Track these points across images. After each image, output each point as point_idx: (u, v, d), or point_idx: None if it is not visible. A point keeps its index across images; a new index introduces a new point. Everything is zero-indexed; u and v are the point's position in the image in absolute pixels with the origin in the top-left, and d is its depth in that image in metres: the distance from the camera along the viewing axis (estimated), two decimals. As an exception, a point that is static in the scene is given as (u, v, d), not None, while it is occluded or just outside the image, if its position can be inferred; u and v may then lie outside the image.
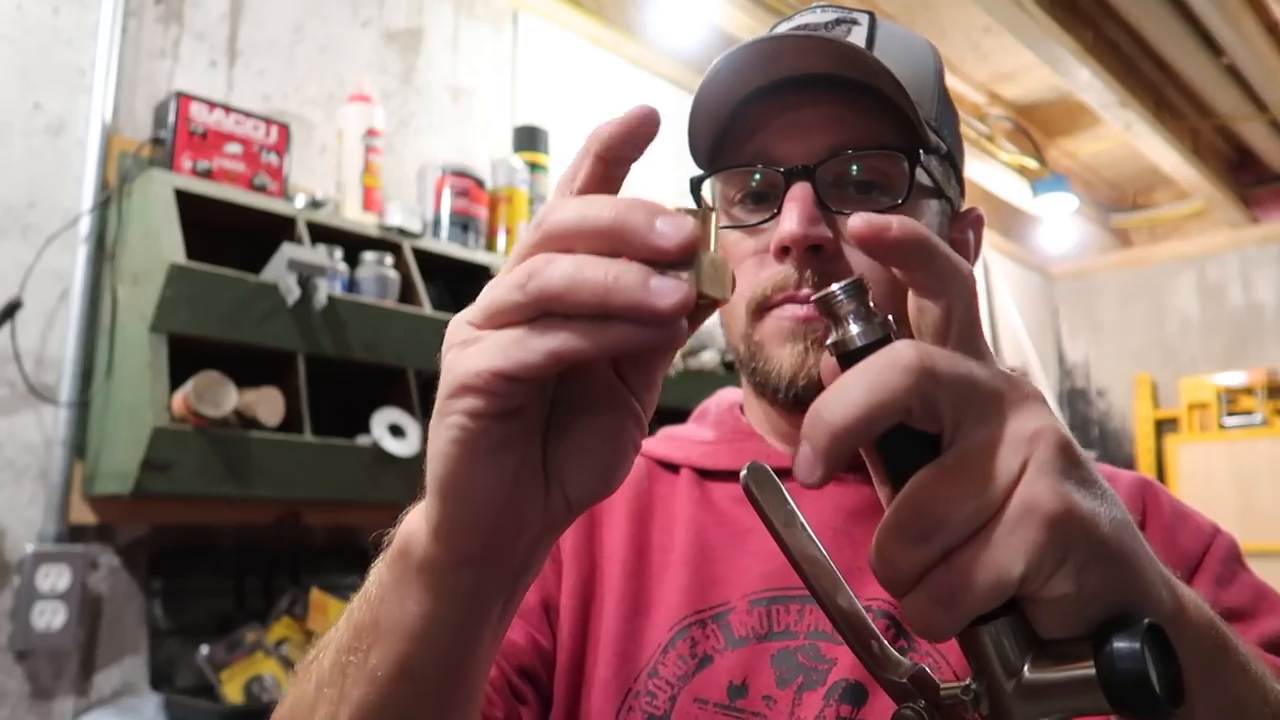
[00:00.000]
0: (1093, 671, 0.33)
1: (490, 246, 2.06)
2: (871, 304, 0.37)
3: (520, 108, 2.39)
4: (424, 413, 1.74)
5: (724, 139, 0.67)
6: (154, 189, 1.53)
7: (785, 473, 0.65)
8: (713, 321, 2.36)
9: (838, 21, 0.66)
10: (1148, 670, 0.32)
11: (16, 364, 1.53)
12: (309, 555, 1.83)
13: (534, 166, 2.18)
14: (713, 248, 0.35)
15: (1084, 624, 0.34)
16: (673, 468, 0.73)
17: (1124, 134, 3.30)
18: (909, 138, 0.62)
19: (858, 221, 0.38)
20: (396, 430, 1.67)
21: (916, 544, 0.34)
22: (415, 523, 0.43)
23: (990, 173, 3.62)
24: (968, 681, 0.37)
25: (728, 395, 0.79)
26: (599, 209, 0.35)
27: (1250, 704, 0.42)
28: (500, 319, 0.35)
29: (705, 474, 0.71)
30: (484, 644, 0.43)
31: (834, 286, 0.37)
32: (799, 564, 0.40)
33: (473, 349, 0.35)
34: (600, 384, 0.40)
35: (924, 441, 0.35)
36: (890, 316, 0.38)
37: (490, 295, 0.36)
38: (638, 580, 0.66)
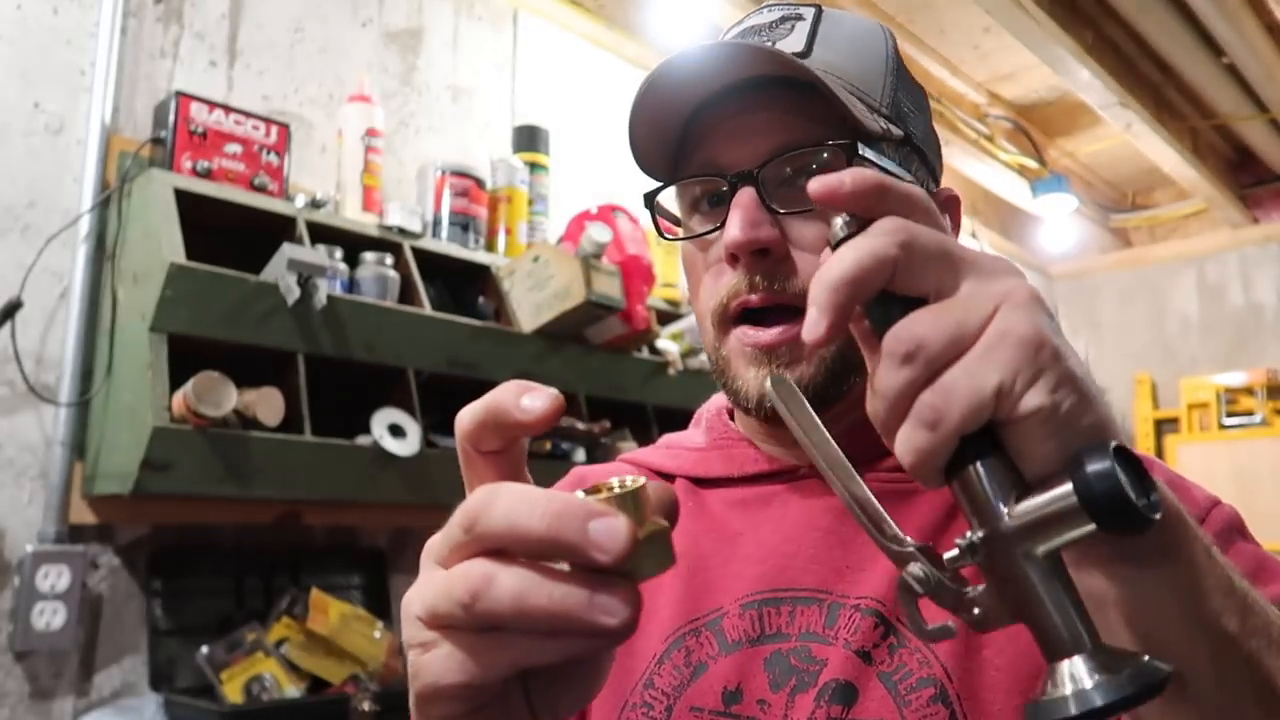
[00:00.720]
0: (1074, 495, 0.35)
1: (490, 247, 2.06)
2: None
3: (520, 108, 2.39)
4: (424, 413, 1.74)
5: (680, 150, 0.68)
6: (154, 189, 1.53)
7: (769, 476, 0.67)
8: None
9: (782, 20, 0.67)
10: (1122, 484, 0.34)
11: (16, 364, 1.53)
12: (309, 555, 1.83)
13: (534, 166, 2.18)
14: (647, 519, 0.35)
15: (1061, 452, 0.36)
16: (668, 478, 0.73)
17: (1124, 134, 3.30)
18: (850, 129, 0.62)
19: (814, 185, 0.39)
20: (396, 430, 1.67)
21: (902, 365, 0.37)
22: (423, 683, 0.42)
23: (990, 173, 3.62)
24: (967, 535, 0.38)
25: (719, 400, 0.79)
26: (529, 519, 0.33)
27: (1209, 575, 0.43)
28: (449, 626, 0.35)
29: (699, 482, 0.71)
30: None
31: (837, 221, 0.40)
32: (819, 460, 0.43)
33: (433, 657, 0.36)
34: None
35: (911, 304, 0.38)
36: None
37: (434, 600, 0.35)
38: None
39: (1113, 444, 0.35)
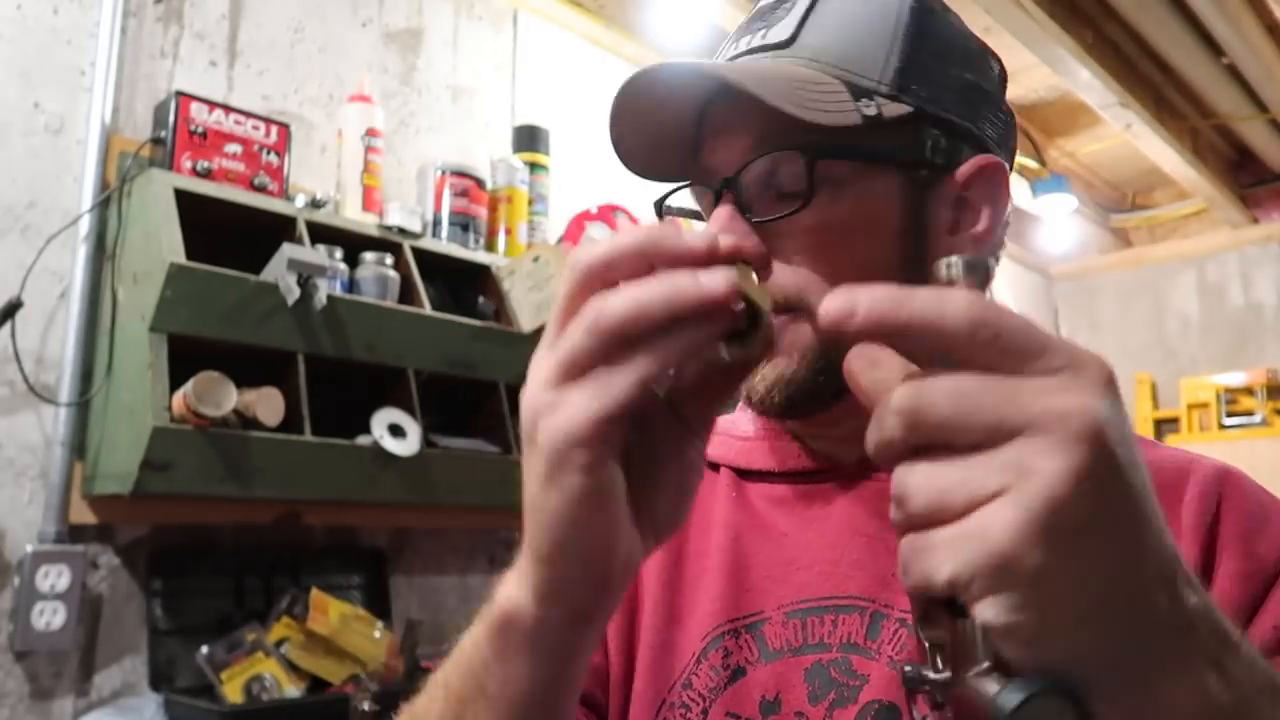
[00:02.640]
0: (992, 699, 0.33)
1: (490, 247, 2.06)
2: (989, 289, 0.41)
3: (520, 108, 2.39)
4: (424, 413, 1.74)
5: (693, 148, 0.65)
6: (154, 189, 1.53)
7: (814, 474, 0.65)
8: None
9: (780, 3, 0.64)
10: None
11: (16, 364, 1.53)
12: (309, 555, 1.83)
13: (534, 166, 2.18)
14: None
15: (1015, 653, 0.33)
16: (714, 466, 0.71)
17: (1124, 134, 3.30)
18: (800, 128, 0.56)
19: (825, 308, 0.36)
20: (396, 430, 1.67)
21: (894, 502, 0.35)
22: (516, 594, 0.44)
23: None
24: (942, 673, 0.37)
25: None
26: (626, 237, 0.38)
27: None
28: (577, 370, 0.38)
29: (743, 473, 0.69)
30: (578, 688, 0.47)
31: (953, 263, 0.39)
32: None
33: (564, 408, 0.38)
34: (662, 424, 0.43)
35: None
36: None
37: (559, 352, 0.38)
38: (673, 588, 0.66)
39: (1039, 687, 0.32)
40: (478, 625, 0.48)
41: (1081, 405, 0.32)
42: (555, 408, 0.38)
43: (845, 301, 0.35)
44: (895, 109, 0.59)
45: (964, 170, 0.62)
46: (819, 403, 0.60)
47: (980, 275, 0.37)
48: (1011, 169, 0.67)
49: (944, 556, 0.33)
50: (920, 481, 0.34)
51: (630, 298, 0.37)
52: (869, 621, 0.58)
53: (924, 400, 0.33)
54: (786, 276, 0.58)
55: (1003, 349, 0.33)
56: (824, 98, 0.57)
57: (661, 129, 0.63)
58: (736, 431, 0.72)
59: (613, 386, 0.37)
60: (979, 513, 0.32)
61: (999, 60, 0.68)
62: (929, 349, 0.34)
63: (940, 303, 0.33)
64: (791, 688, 0.58)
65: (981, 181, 0.63)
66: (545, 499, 0.39)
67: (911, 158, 0.60)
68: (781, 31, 0.61)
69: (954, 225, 0.63)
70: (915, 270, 0.60)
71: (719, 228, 0.58)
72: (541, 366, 0.39)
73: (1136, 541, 0.33)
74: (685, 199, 0.68)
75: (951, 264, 0.37)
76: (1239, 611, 0.52)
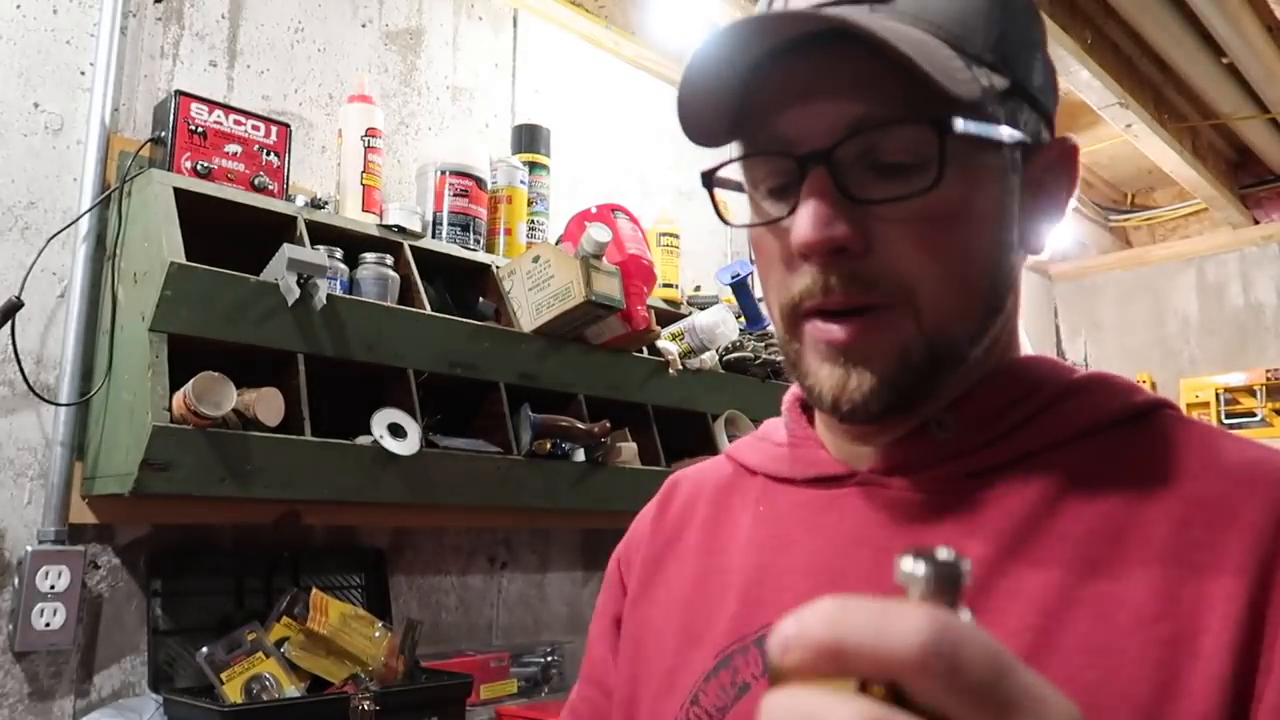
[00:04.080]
0: None
1: (490, 247, 2.06)
2: (960, 602, 0.30)
3: (520, 108, 2.39)
4: (424, 413, 1.74)
5: (741, 114, 0.57)
6: (154, 189, 1.53)
7: (836, 479, 0.61)
8: (712, 321, 2.34)
9: None
10: None
11: (16, 364, 1.53)
12: (309, 555, 1.83)
13: (534, 166, 2.18)
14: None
15: None
16: (753, 472, 0.68)
17: (1124, 134, 3.30)
18: (943, 96, 0.50)
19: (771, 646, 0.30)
20: (396, 430, 1.67)
21: None
22: None
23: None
24: None
25: (798, 387, 0.71)
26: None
27: None
28: None
29: (775, 479, 0.65)
30: None
31: (918, 567, 0.30)
32: None
33: None
34: None
35: None
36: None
37: None
38: (693, 610, 0.64)
39: None
40: None
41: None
42: None
43: (781, 636, 0.29)
44: (1000, 82, 0.54)
45: (1048, 152, 0.59)
46: (906, 407, 0.55)
47: (951, 585, 0.30)
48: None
49: None
50: None
51: None
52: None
53: None
54: (892, 264, 0.52)
55: (960, 687, 0.27)
56: (949, 64, 0.51)
57: (729, 83, 0.56)
58: (775, 437, 0.68)
59: None
60: None
61: None
62: (878, 680, 0.28)
63: (882, 628, 0.28)
64: None
65: (1063, 164, 0.60)
66: None
67: (1011, 137, 0.55)
68: None
69: (1034, 210, 0.59)
70: (1005, 261, 0.57)
71: (821, 210, 0.52)
72: None
73: None
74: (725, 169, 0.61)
75: (914, 572, 0.30)
76: None
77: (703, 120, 0.58)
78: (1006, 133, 0.54)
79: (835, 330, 0.54)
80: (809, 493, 0.62)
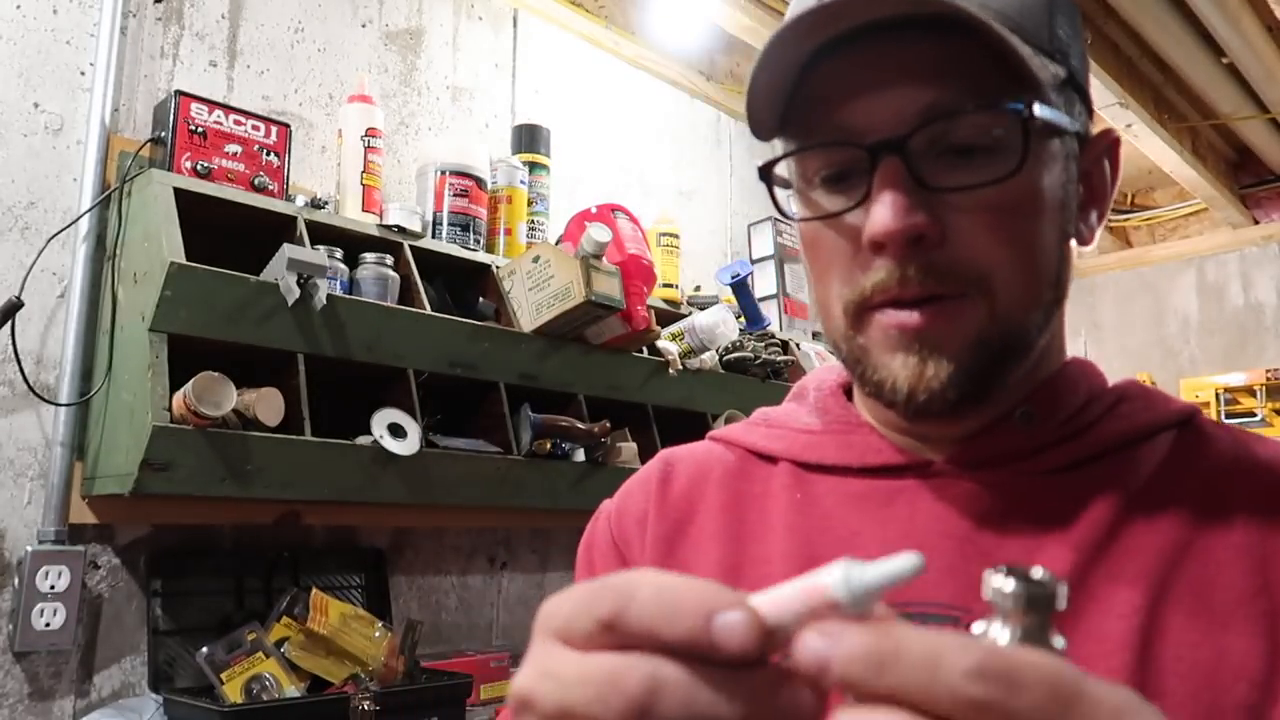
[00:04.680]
0: None
1: (490, 247, 2.06)
2: (1051, 626, 0.28)
3: (520, 108, 2.39)
4: (424, 413, 1.74)
5: (793, 105, 0.56)
6: (154, 189, 1.53)
7: (897, 469, 0.59)
8: (712, 321, 2.33)
9: None
10: None
11: (16, 364, 1.53)
12: (309, 555, 1.83)
13: (534, 166, 2.18)
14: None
15: None
16: (770, 459, 0.65)
17: (1124, 134, 3.29)
18: (1018, 81, 0.50)
19: (804, 649, 0.28)
20: (396, 430, 1.67)
21: None
22: None
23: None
24: None
25: (829, 376, 0.68)
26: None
27: None
28: None
29: (808, 467, 0.62)
30: None
31: (1007, 584, 0.28)
32: None
33: None
34: None
35: None
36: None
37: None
38: None
39: None
40: None
41: None
42: None
43: (820, 647, 0.27)
44: (1060, 71, 0.54)
45: (1096, 144, 0.59)
46: (981, 396, 0.54)
47: (1042, 608, 0.27)
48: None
49: None
50: None
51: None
52: (962, 633, 0.54)
53: None
54: (966, 252, 0.52)
55: None
56: (1026, 50, 0.50)
57: (779, 65, 0.54)
58: (799, 424, 0.65)
59: None
60: None
61: None
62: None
63: (935, 661, 0.26)
64: None
65: (1108, 157, 0.60)
66: None
67: (1072, 126, 0.55)
68: None
69: (1085, 202, 0.59)
70: (1067, 251, 0.58)
71: (899, 199, 0.51)
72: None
73: None
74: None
75: (1003, 589, 0.27)
76: None
77: (762, 114, 0.56)
78: (1069, 122, 0.55)
79: (910, 317, 0.52)
80: (865, 483, 0.60)
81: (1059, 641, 0.28)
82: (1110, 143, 0.60)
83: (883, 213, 0.51)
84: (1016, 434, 0.57)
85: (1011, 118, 0.51)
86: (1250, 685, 0.48)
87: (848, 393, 0.66)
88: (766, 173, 0.58)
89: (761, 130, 0.57)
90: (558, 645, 0.30)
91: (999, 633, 0.28)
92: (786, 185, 0.60)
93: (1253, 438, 0.58)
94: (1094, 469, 0.56)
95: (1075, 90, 0.56)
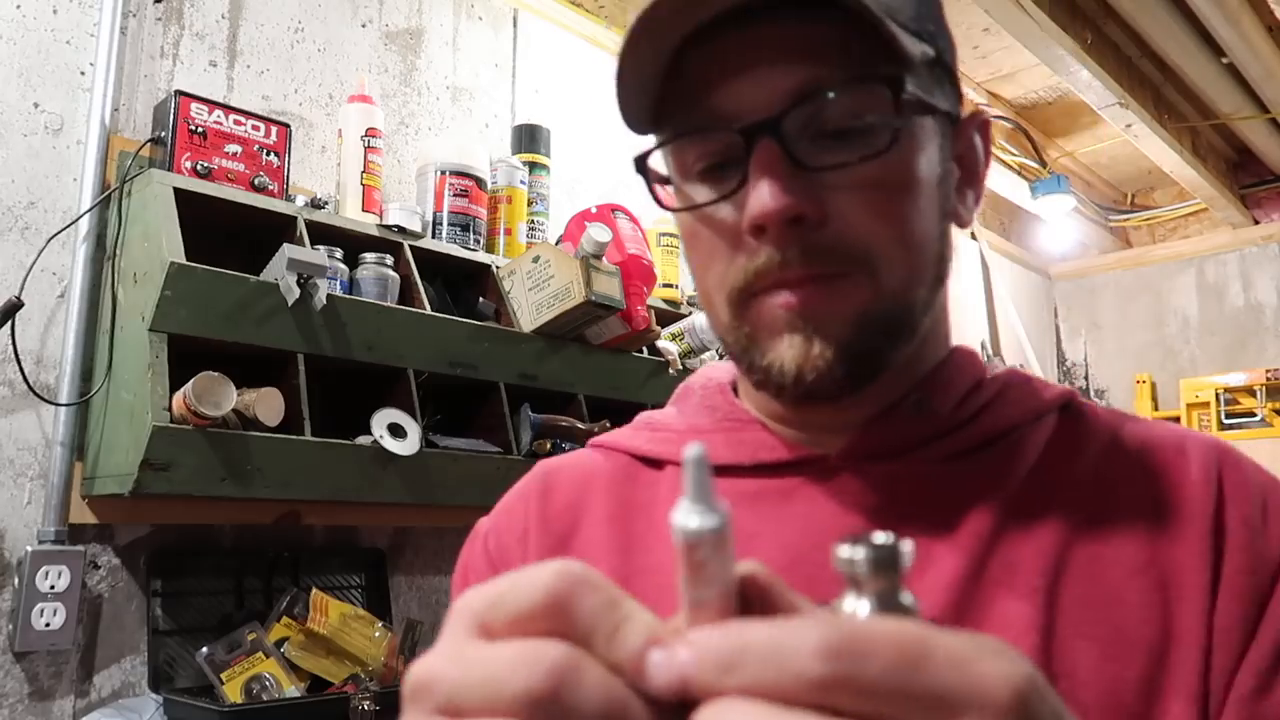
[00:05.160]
0: None
1: (490, 247, 2.06)
2: (901, 583, 0.29)
3: (520, 108, 2.39)
4: (424, 413, 1.74)
5: (665, 96, 0.55)
6: (154, 189, 1.53)
7: (791, 465, 0.59)
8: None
9: None
10: None
11: (16, 364, 1.53)
12: (309, 555, 1.83)
13: (534, 166, 2.18)
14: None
15: None
16: (656, 464, 0.63)
17: (1124, 134, 3.30)
18: (889, 59, 0.50)
19: (653, 663, 0.27)
20: (396, 430, 1.67)
21: None
22: None
23: (990, 173, 3.62)
24: None
25: (715, 373, 0.67)
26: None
27: None
28: None
29: None
30: None
31: (856, 552, 0.28)
32: None
33: None
34: None
35: None
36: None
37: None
38: None
39: None
40: None
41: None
42: None
43: (664, 662, 0.26)
44: (929, 50, 0.54)
45: (967, 125, 0.60)
46: (869, 376, 0.54)
47: (890, 569, 0.28)
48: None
49: None
50: None
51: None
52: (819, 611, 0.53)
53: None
54: (847, 232, 0.51)
55: (872, 690, 0.25)
56: (893, 28, 0.50)
57: (647, 55, 0.53)
58: (683, 424, 0.64)
59: None
60: None
61: None
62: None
63: (779, 650, 0.25)
64: None
65: (982, 135, 0.61)
66: None
67: (943, 105, 0.56)
68: None
69: (959, 183, 0.60)
70: (946, 230, 0.58)
71: (777, 181, 0.50)
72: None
73: None
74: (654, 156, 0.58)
75: (853, 558, 0.28)
76: (1248, 606, 0.50)
77: (631, 105, 0.56)
78: (940, 100, 0.55)
79: (794, 297, 0.52)
80: (759, 482, 0.58)
81: (907, 598, 0.29)
82: (980, 124, 0.61)
83: (761, 195, 0.50)
84: (909, 422, 0.57)
85: (883, 95, 0.50)
86: (1147, 655, 0.49)
87: (736, 390, 0.65)
88: (642, 166, 0.57)
89: (634, 123, 0.56)
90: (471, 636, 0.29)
91: (857, 604, 0.29)
92: (665, 181, 0.58)
93: (1127, 417, 0.61)
94: (984, 456, 0.57)
95: (944, 71, 0.57)
